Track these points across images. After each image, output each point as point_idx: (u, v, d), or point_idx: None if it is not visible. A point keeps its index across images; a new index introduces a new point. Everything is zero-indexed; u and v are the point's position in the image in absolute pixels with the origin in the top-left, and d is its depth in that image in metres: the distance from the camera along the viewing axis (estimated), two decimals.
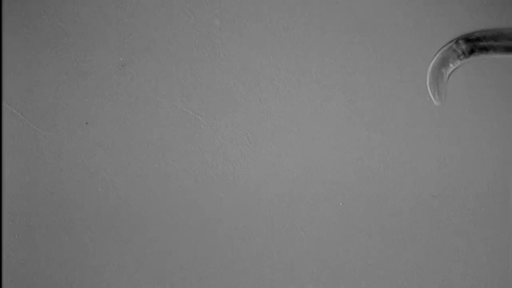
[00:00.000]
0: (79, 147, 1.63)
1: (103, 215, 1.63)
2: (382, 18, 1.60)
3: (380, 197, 1.60)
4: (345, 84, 1.61)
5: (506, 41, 1.55)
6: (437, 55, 1.56)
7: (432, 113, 1.59)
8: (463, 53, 1.56)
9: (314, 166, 1.61)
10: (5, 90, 1.63)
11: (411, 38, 1.60)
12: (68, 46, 1.63)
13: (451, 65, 1.56)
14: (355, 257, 1.61)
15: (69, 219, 1.63)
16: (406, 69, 1.60)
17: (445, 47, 1.56)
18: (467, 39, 1.55)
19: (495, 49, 1.56)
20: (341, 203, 1.60)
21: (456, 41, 1.56)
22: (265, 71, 1.61)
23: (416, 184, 1.60)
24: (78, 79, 1.63)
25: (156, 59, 1.63)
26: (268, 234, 1.61)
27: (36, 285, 1.64)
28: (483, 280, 1.60)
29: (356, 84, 1.60)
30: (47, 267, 1.63)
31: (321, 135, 1.61)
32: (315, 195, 1.60)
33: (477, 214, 1.60)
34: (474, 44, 1.55)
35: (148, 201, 1.62)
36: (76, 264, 1.63)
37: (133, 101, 1.63)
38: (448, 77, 1.56)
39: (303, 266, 1.61)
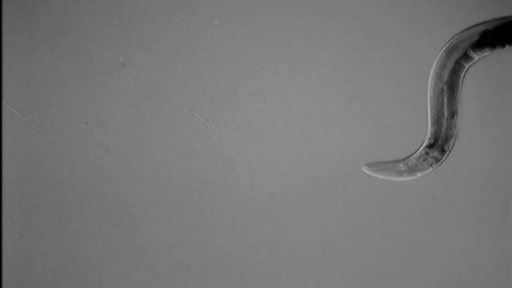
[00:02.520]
0: (79, 147, 1.63)
1: (103, 214, 1.63)
2: (382, 18, 1.60)
3: (380, 197, 1.60)
4: (346, 84, 1.61)
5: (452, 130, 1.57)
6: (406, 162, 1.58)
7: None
8: (436, 159, 1.57)
9: (314, 165, 1.61)
10: (5, 90, 1.63)
11: (411, 36, 1.60)
12: (68, 46, 1.63)
13: (418, 173, 1.58)
14: (355, 257, 1.61)
15: (69, 219, 1.63)
16: (406, 69, 1.60)
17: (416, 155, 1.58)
18: (430, 145, 1.57)
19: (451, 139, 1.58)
20: (341, 203, 1.60)
21: (426, 152, 1.58)
22: (265, 71, 1.61)
23: (415, 184, 1.60)
24: (78, 79, 1.63)
25: (156, 59, 1.63)
26: (268, 233, 1.61)
27: (36, 285, 1.64)
28: (484, 280, 1.60)
29: (356, 84, 1.60)
30: (47, 267, 1.63)
31: (321, 135, 1.61)
32: (315, 195, 1.60)
33: (477, 214, 1.60)
34: (439, 143, 1.57)
35: (148, 200, 1.62)
36: (76, 264, 1.63)
37: (133, 101, 1.63)
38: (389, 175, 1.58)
39: (303, 266, 1.61)
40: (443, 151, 1.55)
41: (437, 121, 1.56)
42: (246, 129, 1.61)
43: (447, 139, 1.55)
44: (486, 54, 1.56)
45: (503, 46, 1.55)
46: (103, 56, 1.63)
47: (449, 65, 1.57)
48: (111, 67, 1.63)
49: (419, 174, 1.58)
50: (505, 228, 1.59)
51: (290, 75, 1.61)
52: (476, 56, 1.55)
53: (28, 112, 1.63)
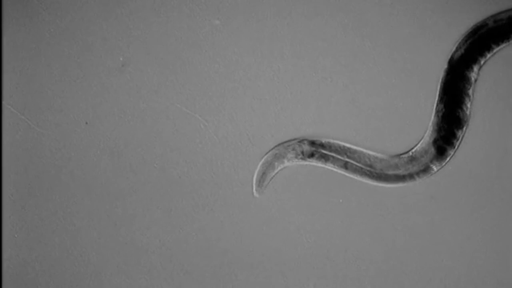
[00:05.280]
0: (79, 147, 1.63)
1: (103, 215, 1.63)
2: (383, 17, 1.61)
3: (380, 196, 1.60)
4: (347, 83, 1.61)
5: (346, 156, 1.57)
6: (275, 149, 1.57)
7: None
8: (302, 153, 1.57)
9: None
10: (5, 90, 1.63)
11: (413, 35, 1.60)
12: (68, 46, 1.63)
13: (285, 161, 1.58)
14: (355, 257, 1.61)
15: (69, 219, 1.63)
16: (408, 66, 1.60)
17: (285, 144, 1.57)
18: (312, 142, 1.57)
19: (334, 161, 1.57)
20: (340, 200, 1.60)
21: (301, 140, 1.57)
22: (265, 71, 1.61)
23: (415, 184, 1.60)
24: (78, 79, 1.63)
25: (156, 59, 1.63)
26: (268, 233, 1.61)
27: (36, 285, 1.63)
28: (483, 281, 1.60)
29: (358, 83, 1.61)
30: (47, 267, 1.63)
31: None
32: (315, 194, 1.60)
33: (477, 214, 1.60)
34: (316, 149, 1.56)
35: (148, 200, 1.62)
36: (76, 264, 1.63)
37: (133, 101, 1.63)
38: (276, 173, 1.57)
39: (303, 266, 1.61)
40: (312, 155, 1.55)
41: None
42: (246, 128, 1.61)
43: (321, 156, 1.55)
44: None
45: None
46: (103, 56, 1.63)
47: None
48: (111, 67, 1.63)
49: (285, 162, 1.57)
50: (505, 228, 1.59)
51: (291, 75, 1.61)
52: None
53: (28, 112, 1.63)
